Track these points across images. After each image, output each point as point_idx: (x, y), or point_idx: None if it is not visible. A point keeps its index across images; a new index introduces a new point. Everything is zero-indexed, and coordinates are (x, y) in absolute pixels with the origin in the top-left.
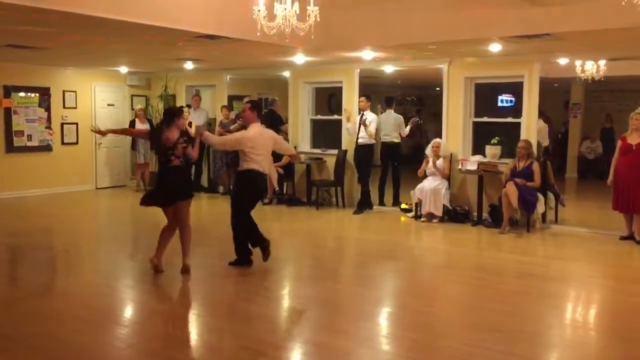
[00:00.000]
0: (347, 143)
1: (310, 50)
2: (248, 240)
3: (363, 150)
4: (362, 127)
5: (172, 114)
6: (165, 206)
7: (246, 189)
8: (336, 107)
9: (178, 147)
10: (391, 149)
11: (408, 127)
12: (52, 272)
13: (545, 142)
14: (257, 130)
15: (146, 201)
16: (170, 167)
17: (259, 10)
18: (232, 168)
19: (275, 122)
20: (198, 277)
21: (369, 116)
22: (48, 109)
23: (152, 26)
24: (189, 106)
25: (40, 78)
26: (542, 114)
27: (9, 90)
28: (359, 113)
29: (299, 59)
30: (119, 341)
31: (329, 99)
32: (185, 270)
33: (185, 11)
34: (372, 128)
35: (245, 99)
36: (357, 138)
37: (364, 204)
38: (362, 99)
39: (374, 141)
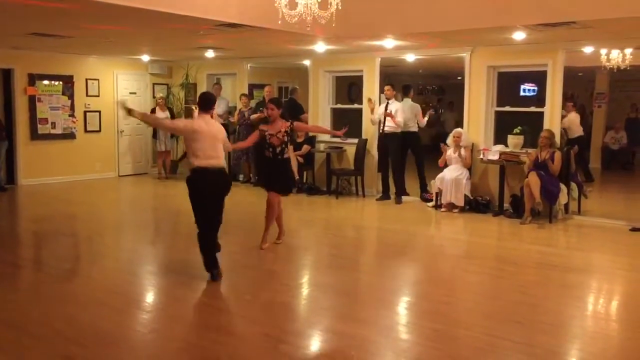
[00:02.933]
0: (368, 132)
1: (331, 38)
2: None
3: (391, 139)
4: (387, 116)
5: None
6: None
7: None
8: (356, 95)
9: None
10: (409, 138)
11: (425, 119)
12: (76, 258)
13: (578, 133)
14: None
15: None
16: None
17: None
18: (252, 157)
19: (296, 111)
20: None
21: (394, 105)
22: (71, 97)
23: (176, 15)
24: None
25: (63, 66)
26: (574, 104)
27: (33, 79)
28: (385, 102)
29: (320, 47)
30: (142, 326)
31: (349, 88)
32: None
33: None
34: (399, 118)
35: (266, 88)
36: (383, 126)
37: (400, 192)
38: (388, 87)
39: (400, 129)
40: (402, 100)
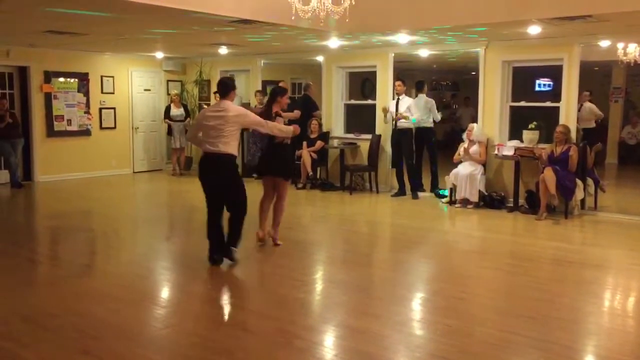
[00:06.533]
0: (381, 128)
1: (344, 34)
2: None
3: (404, 135)
4: (399, 118)
5: (276, 93)
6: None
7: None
8: (370, 91)
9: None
10: (423, 134)
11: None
12: (92, 254)
13: (589, 125)
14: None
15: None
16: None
17: None
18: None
19: (310, 107)
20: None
21: (405, 100)
22: (87, 94)
23: (192, 12)
24: None
25: (78, 63)
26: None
27: (49, 76)
28: (395, 97)
29: (333, 43)
30: (157, 321)
31: (362, 84)
32: (274, 244)
33: None
34: (408, 114)
35: (280, 84)
36: (396, 122)
37: (417, 188)
38: (399, 82)
39: (412, 126)
40: (416, 96)
